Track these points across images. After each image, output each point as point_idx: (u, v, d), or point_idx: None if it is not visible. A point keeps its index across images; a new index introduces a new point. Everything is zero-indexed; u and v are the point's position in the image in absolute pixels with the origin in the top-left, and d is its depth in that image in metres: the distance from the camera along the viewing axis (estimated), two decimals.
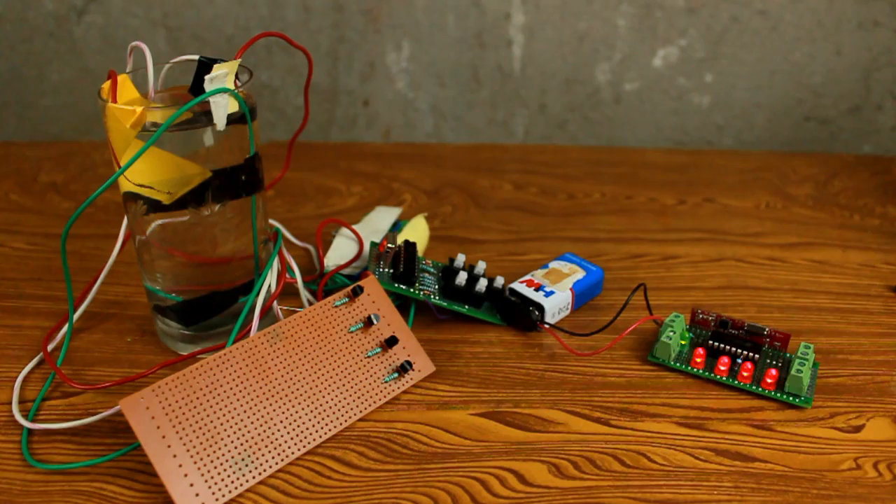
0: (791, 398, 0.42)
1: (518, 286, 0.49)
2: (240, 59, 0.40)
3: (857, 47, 0.75)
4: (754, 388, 0.43)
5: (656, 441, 0.40)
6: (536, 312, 0.48)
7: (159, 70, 0.42)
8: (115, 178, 0.39)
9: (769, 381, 0.43)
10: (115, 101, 0.40)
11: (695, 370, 0.44)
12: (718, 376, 0.44)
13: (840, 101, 0.77)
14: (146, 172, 0.41)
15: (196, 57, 0.40)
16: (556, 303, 0.49)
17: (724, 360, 0.44)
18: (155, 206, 0.42)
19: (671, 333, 0.45)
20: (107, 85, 0.41)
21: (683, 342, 0.46)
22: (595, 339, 0.47)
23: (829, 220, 0.62)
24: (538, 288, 0.49)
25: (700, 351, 0.45)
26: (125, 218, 0.46)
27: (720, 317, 0.46)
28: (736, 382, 0.43)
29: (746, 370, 0.43)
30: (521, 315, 0.48)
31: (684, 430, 0.41)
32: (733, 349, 0.45)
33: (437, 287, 0.49)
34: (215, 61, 0.40)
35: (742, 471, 0.39)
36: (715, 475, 0.38)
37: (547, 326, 0.48)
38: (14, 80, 0.81)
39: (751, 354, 0.44)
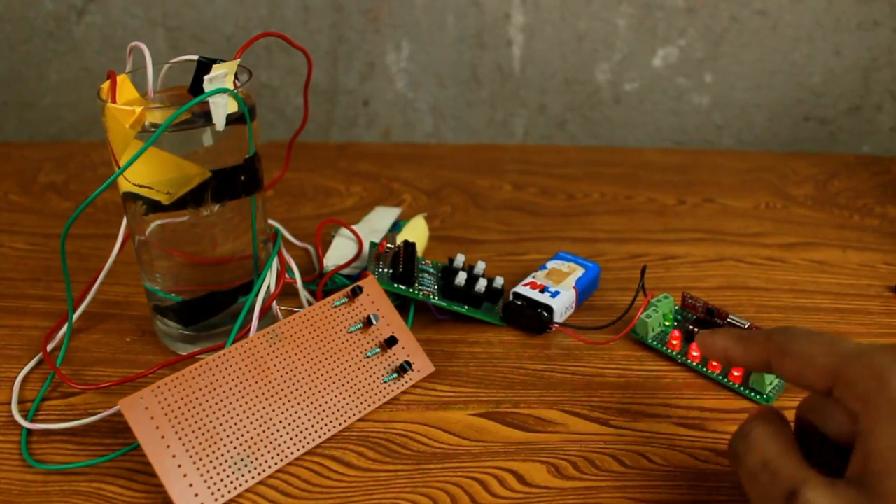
0: (753, 394, 0.43)
1: (522, 289, 0.49)
2: (239, 60, 0.40)
3: (856, 47, 0.75)
4: (725, 380, 0.44)
5: (655, 441, 0.40)
6: (546, 314, 0.48)
7: (159, 70, 0.42)
8: (115, 179, 0.39)
9: (736, 374, 0.44)
10: (114, 101, 0.40)
11: (670, 352, 0.45)
12: (691, 361, 0.45)
13: (839, 102, 0.77)
14: (145, 172, 0.41)
15: (195, 57, 0.40)
16: (563, 302, 0.49)
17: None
18: (154, 207, 0.42)
19: (652, 312, 0.46)
20: (106, 85, 0.41)
21: (668, 323, 0.47)
22: (604, 331, 0.48)
23: (828, 220, 0.62)
24: (542, 289, 0.49)
25: (676, 333, 0.46)
26: (125, 218, 0.46)
27: (707, 304, 0.46)
28: (706, 371, 0.44)
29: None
30: (529, 318, 0.48)
31: (683, 430, 0.41)
32: None
33: (436, 287, 0.49)
34: (215, 61, 0.40)
35: None
36: (714, 476, 0.38)
37: (557, 326, 0.48)
38: (14, 80, 0.81)
39: None
